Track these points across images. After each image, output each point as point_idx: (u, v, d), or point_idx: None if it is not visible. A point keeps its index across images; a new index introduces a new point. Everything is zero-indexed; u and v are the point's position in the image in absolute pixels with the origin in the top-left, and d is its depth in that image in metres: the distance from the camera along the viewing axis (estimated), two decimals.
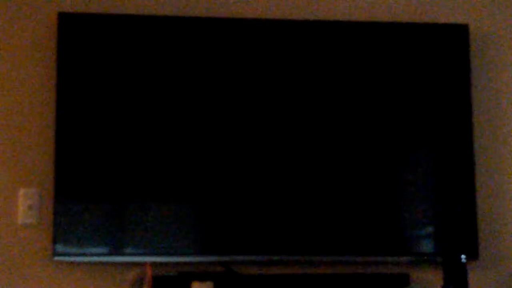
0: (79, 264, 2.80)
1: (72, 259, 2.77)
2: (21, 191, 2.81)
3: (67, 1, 2.90)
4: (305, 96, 2.89)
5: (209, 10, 2.95)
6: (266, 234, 2.81)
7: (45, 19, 2.88)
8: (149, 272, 2.63)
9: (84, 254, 2.75)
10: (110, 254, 2.77)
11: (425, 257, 2.88)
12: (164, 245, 2.76)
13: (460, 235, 2.89)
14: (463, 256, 2.70)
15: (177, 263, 2.80)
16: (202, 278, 2.68)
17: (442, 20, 3.03)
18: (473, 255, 2.86)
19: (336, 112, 2.90)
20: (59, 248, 2.73)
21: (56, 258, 2.75)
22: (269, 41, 2.90)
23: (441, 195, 2.91)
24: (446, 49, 2.96)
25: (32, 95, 2.85)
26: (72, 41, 2.82)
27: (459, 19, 3.05)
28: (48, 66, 2.85)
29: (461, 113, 2.95)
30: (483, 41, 3.06)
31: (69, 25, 2.82)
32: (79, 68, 2.81)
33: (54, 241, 2.73)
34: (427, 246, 2.89)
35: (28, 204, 2.80)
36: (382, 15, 3.02)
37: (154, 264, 2.66)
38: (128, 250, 2.77)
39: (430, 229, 2.89)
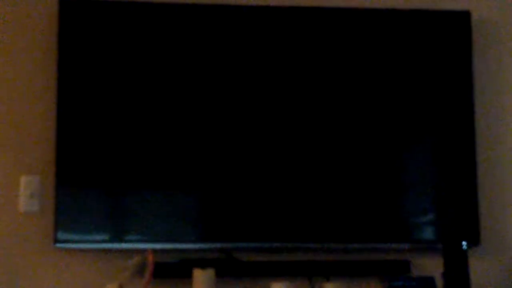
0: (81, 251, 2.81)
1: (73, 246, 2.78)
2: (23, 179, 2.81)
3: None
4: (304, 85, 2.88)
5: None
6: (267, 221, 2.81)
7: (46, 5, 2.87)
8: (150, 259, 2.63)
9: (85, 241, 2.76)
10: (111, 241, 2.77)
11: (426, 244, 2.88)
12: (165, 232, 2.77)
13: (462, 222, 2.89)
14: (464, 243, 2.69)
15: (179, 250, 2.80)
16: (203, 265, 2.68)
17: (444, 6, 3.02)
18: (475, 242, 2.87)
19: (337, 100, 2.89)
20: (61, 235, 2.73)
21: (58, 245, 2.75)
22: (268, 29, 2.89)
23: (442, 182, 2.91)
24: (448, 36, 2.96)
25: (34, 82, 2.85)
26: (73, 27, 2.81)
27: (461, 5, 3.04)
28: (50, 53, 2.84)
29: (463, 100, 2.94)
30: (485, 27, 3.05)
31: (70, 11, 2.81)
32: (80, 54, 2.80)
33: (56, 228, 2.73)
34: (428, 233, 2.90)
35: (29, 192, 2.80)
36: (383, 1, 3.01)
37: (155, 251, 2.65)
38: (130, 237, 2.78)
39: (431, 216, 2.89)
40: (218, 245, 2.80)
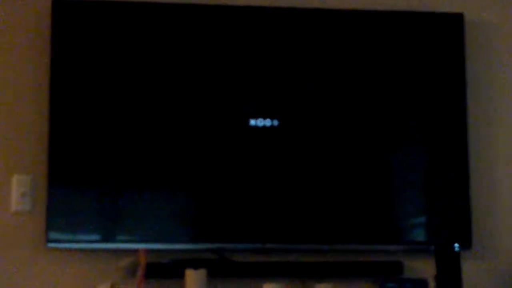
0: (72, 251, 2.79)
1: (65, 246, 2.77)
2: (15, 178, 2.80)
3: None
4: (297, 86, 2.88)
5: None
6: (259, 222, 2.81)
7: (39, 4, 2.86)
8: (142, 259, 2.63)
9: (77, 241, 2.75)
10: (103, 241, 2.76)
11: (419, 246, 2.88)
12: (157, 232, 2.76)
13: (454, 224, 2.89)
14: (456, 245, 2.69)
15: (171, 251, 2.79)
16: (195, 265, 2.67)
17: (438, 9, 3.02)
18: (467, 244, 2.87)
19: (329, 103, 2.89)
20: (53, 235, 2.72)
21: (50, 245, 2.74)
22: (259, 29, 2.89)
23: (435, 184, 2.91)
24: (441, 38, 2.96)
25: (26, 81, 2.84)
26: (66, 27, 2.80)
27: (454, 8, 3.04)
28: (42, 52, 2.83)
29: (455, 103, 2.94)
30: (478, 30, 3.05)
31: (63, 11, 2.81)
32: (73, 54, 2.79)
33: (48, 228, 2.72)
34: (420, 235, 2.90)
35: (21, 191, 2.79)
36: (376, 3, 3.01)
37: (147, 251, 2.65)
38: (122, 237, 2.77)
39: (423, 218, 2.89)
40: (210, 245, 2.80)
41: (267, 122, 2.84)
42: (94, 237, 2.75)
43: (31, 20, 2.87)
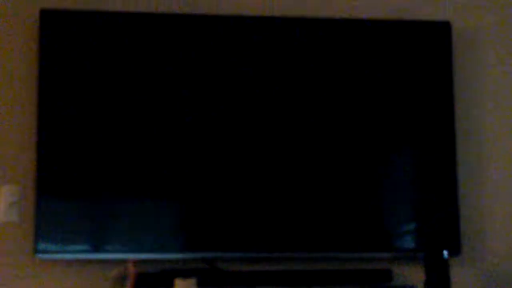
0: (61, 261, 2.78)
1: (54, 256, 2.75)
2: (3, 188, 2.79)
3: None
4: (287, 93, 2.88)
5: (195, 7, 2.93)
6: (249, 231, 2.81)
7: (27, 15, 2.85)
8: (132, 269, 2.62)
9: (66, 252, 2.74)
10: (92, 251, 2.75)
11: (408, 253, 2.89)
12: (147, 242, 2.75)
13: (442, 231, 2.90)
14: (445, 252, 2.70)
15: (160, 260, 2.79)
16: (185, 275, 2.67)
17: (425, 17, 3.03)
18: (455, 251, 2.87)
19: (318, 110, 2.89)
20: (41, 245, 2.71)
21: (38, 255, 2.73)
22: (256, 38, 2.90)
23: (423, 192, 2.93)
24: (429, 47, 2.97)
25: (14, 92, 2.83)
26: (54, 38, 2.80)
27: (441, 16, 3.05)
28: (30, 62, 2.83)
29: (443, 110, 2.95)
30: (465, 38, 3.07)
31: (51, 22, 2.80)
32: (61, 65, 2.79)
33: (36, 238, 2.71)
34: (409, 242, 2.90)
35: (9, 202, 2.78)
36: (364, 12, 3.02)
37: (137, 261, 2.64)
38: (111, 247, 2.76)
39: (412, 225, 2.90)
40: (201, 254, 2.79)
41: (258, 130, 2.85)
42: (83, 247, 2.74)
43: (18, 30, 2.86)
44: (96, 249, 2.76)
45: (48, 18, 2.81)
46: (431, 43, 2.97)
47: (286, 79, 2.89)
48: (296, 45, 2.91)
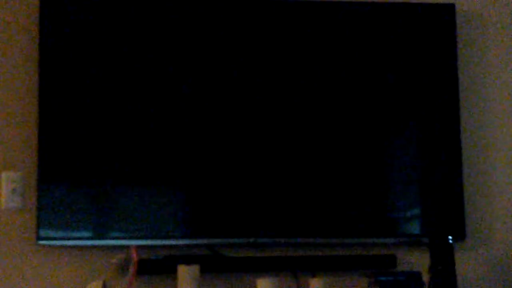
0: (64, 248, 2.78)
1: (56, 243, 2.75)
2: (4, 175, 2.78)
3: None
4: (286, 80, 2.86)
5: None
6: (253, 216, 2.79)
7: (27, 2, 2.84)
8: (134, 255, 2.61)
9: (69, 238, 2.73)
10: (95, 237, 2.75)
11: (412, 238, 2.88)
12: (149, 228, 2.75)
13: (447, 216, 2.89)
14: (450, 237, 2.69)
15: (163, 246, 2.78)
16: (188, 261, 2.66)
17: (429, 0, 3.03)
18: (460, 236, 2.86)
19: (320, 95, 2.87)
20: (44, 232, 2.70)
21: (41, 242, 2.72)
22: (250, 22, 2.87)
23: (428, 176, 2.91)
24: (432, 29, 2.95)
25: (15, 78, 2.82)
26: (55, 24, 2.78)
27: None
28: (31, 48, 2.81)
29: (447, 94, 2.93)
30: (469, 20, 3.04)
31: (51, 8, 2.78)
32: (62, 51, 2.77)
33: (38, 225, 2.70)
34: (414, 227, 2.89)
35: (11, 188, 2.77)
36: None
37: (139, 248, 2.62)
38: (113, 233, 2.75)
39: (416, 210, 2.89)
40: (203, 241, 2.78)
41: (262, 115, 2.83)
42: (85, 233, 2.74)
43: (19, 18, 2.84)
44: (98, 235, 2.75)
45: (48, 4, 2.78)
46: (435, 25, 2.95)
47: (290, 63, 2.87)
48: (300, 29, 2.89)
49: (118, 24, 2.82)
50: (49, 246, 2.76)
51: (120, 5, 2.82)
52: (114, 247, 2.75)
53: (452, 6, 2.98)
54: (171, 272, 2.67)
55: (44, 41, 2.77)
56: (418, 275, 2.76)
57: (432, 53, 2.94)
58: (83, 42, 2.79)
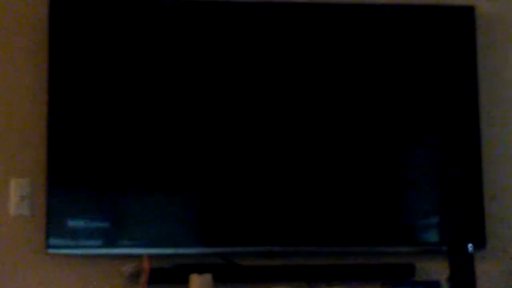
0: (73, 256, 2.76)
1: (66, 251, 2.73)
2: (13, 182, 2.76)
3: None
4: (302, 84, 2.84)
5: None
6: (266, 225, 2.78)
7: (37, 3, 2.82)
8: (146, 264, 2.60)
9: (78, 247, 2.72)
10: (105, 246, 2.73)
11: (431, 247, 2.86)
12: (162, 237, 2.73)
13: (467, 224, 2.87)
14: (470, 245, 2.66)
15: (175, 255, 2.76)
16: (200, 270, 2.64)
17: (448, 1, 2.99)
18: (481, 244, 2.84)
19: (337, 98, 2.86)
20: (53, 240, 2.69)
21: (50, 250, 2.71)
22: (263, 25, 2.85)
23: (447, 183, 2.89)
24: (452, 32, 2.94)
25: (24, 83, 2.80)
26: (64, 26, 2.76)
27: (465, 1, 3.00)
28: (40, 54, 2.79)
29: (467, 98, 2.92)
30: (489, 23, 3.02)
31: (61, 9, 2.76)
32: (72, 55, 2.76)
33: (48, 233, 2.69)
34: (432, 236, 2.88)
35: (20, 195, 2.76)
36: None
37: (151, 256, 2.62)
38: (124, 242, 2.74)
39: (435, 218, 2.88)
40: (215, 249, 2.77)
41: (272, 125, 2.81)
42: (95, 242, 2.73)
43: (28, 20, 2.83)
44: (109, 244, 2.74)
45: (58, 6, 2.76)
46: (455, 28, 2.94)
47: (307, 66, 2.85)
48: (316, 32, 2.87)
49: (129, 27, 2.80)
50: (59, 254, 2.74)
51: (131, 5, 2.81)
52: (125, 256, 2.72)
53: (472, 9, 2.97)
54: (183, 282, 2.64)
55: (54, 46, 2.75)
56: (436, 285, 2.73)
57: (451, 56, 2.93)
58: (94, 48, 2.77)
